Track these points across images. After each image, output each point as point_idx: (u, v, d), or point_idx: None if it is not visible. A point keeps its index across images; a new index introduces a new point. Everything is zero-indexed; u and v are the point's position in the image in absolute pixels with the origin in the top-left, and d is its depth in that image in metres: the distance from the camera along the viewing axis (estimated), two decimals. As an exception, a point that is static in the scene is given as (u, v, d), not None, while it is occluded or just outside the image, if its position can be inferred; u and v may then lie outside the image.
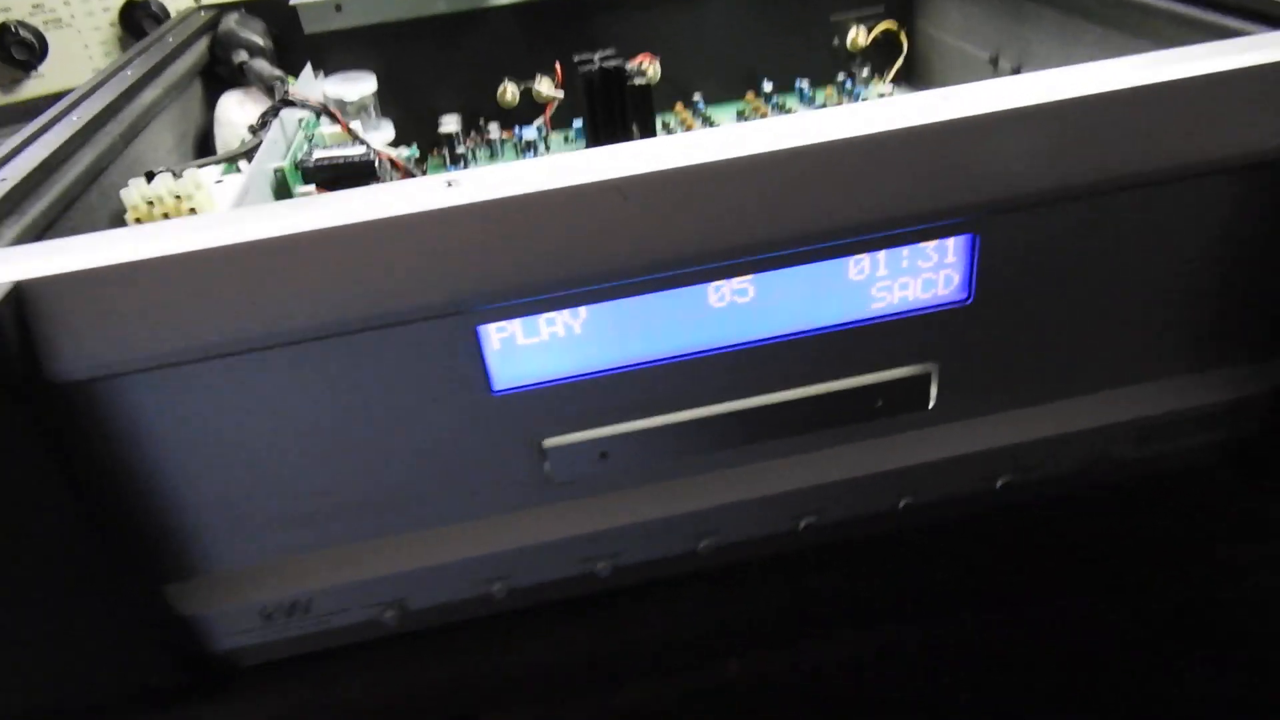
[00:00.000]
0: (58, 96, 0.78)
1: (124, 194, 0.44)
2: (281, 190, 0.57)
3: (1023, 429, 0.41)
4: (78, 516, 0.33)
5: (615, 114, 0.67)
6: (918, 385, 0.39)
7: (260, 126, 0.61)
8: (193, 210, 0.45)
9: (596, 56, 0.67)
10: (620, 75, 0.66)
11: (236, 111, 0.67)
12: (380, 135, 0.78)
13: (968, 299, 0.37)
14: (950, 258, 0.36)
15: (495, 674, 0.43)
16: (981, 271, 0.36)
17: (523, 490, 0.38)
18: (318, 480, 0.36)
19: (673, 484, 0.39)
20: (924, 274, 0.37)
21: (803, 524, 0.41)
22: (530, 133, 0.80)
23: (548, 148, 0.79)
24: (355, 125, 0.67)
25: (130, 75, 0.57)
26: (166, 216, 0.44)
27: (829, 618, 0.45)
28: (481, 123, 0.82)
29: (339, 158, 0.60)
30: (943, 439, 0.40)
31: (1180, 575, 0.44)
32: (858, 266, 0.36)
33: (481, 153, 0.79)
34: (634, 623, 0.43)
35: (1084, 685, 0.43)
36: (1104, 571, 0.44)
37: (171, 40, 0.66)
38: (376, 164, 0.60)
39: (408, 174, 0.64)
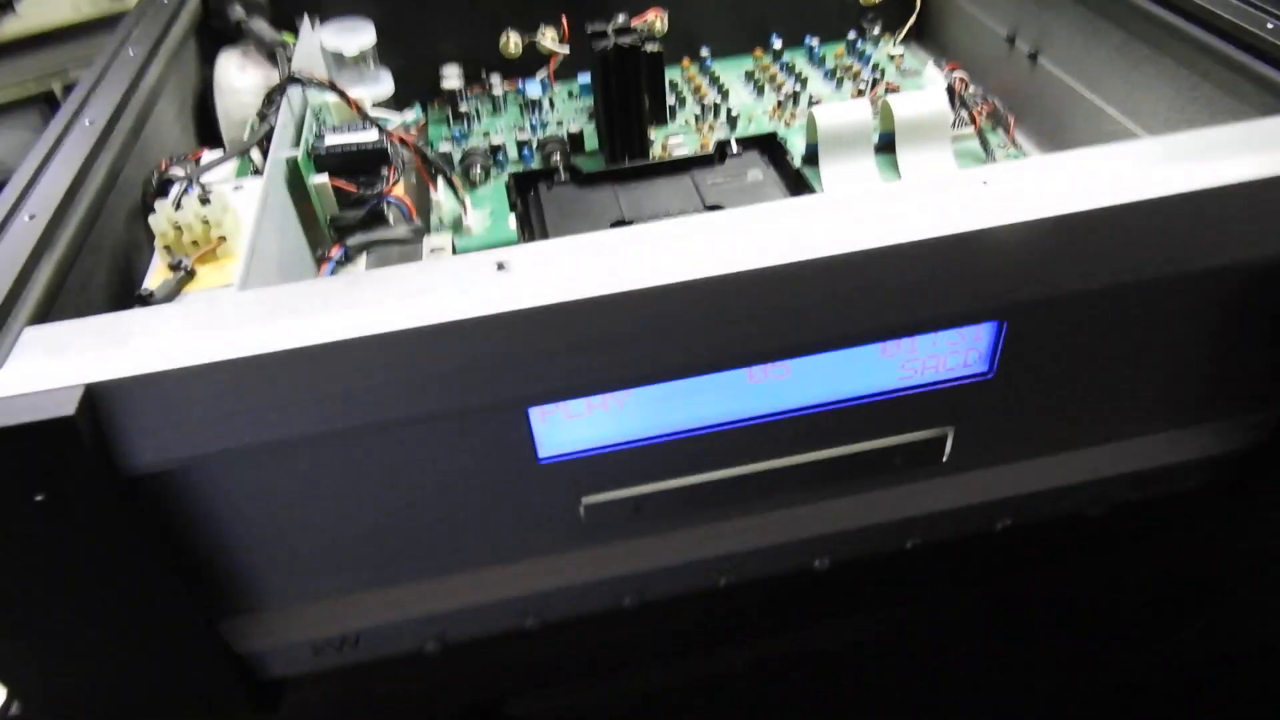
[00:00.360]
0: (37, 37, 0.75)
1: (153, 222, 0.44)
2: (296, 182, 0.56)
3: (1028, 480, 0.43)
4: (156, 575, 0.35)
5: (630, 88, 0.66)
6: (934, 445, 0.41)
7: (267, 106, 0.59)
8: (222, 239, 0.44)
9: (610, 29, 0.65)
10: (635, 53, 0.64)
11: (237, 76, 0.65)
12: (380, 89, 0.76)
13: (989, 373, 0.39)
14: (977, 338, 0.38)
15: (517, 662, 0.47)
16: (1005, 350, 0.38)
17: (559, 538, 0.41)
18: (371, 537, 0.38)
19: (697, 530, 0.42)
20: (950, 353, 0.38)
21: (817, 563, 0.44)
22: (534, 89, 0.78)
23: (553, 106, 0.77)
24: (358, 93, 0.65)
25: (133, 56, 0.55)
26: (196, 244, 0.44)
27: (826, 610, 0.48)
28: (483, 74, 0.79)
29: (351, 145, 0.59)
30: (951, 490, 0.43)
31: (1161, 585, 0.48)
32: (889, 347, 0.37)
33: (485, 108, 0.78)
34: (644, 614, 0.46)
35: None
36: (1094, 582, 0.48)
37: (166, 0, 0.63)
38: (389, 149, 0.59)
39: (420, 155, 0.63)
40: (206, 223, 0.44)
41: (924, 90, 0.67)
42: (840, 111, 0.65)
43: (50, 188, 0.43)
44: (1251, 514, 0.49)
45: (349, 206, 0.59)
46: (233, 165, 0.56)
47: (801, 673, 0.52)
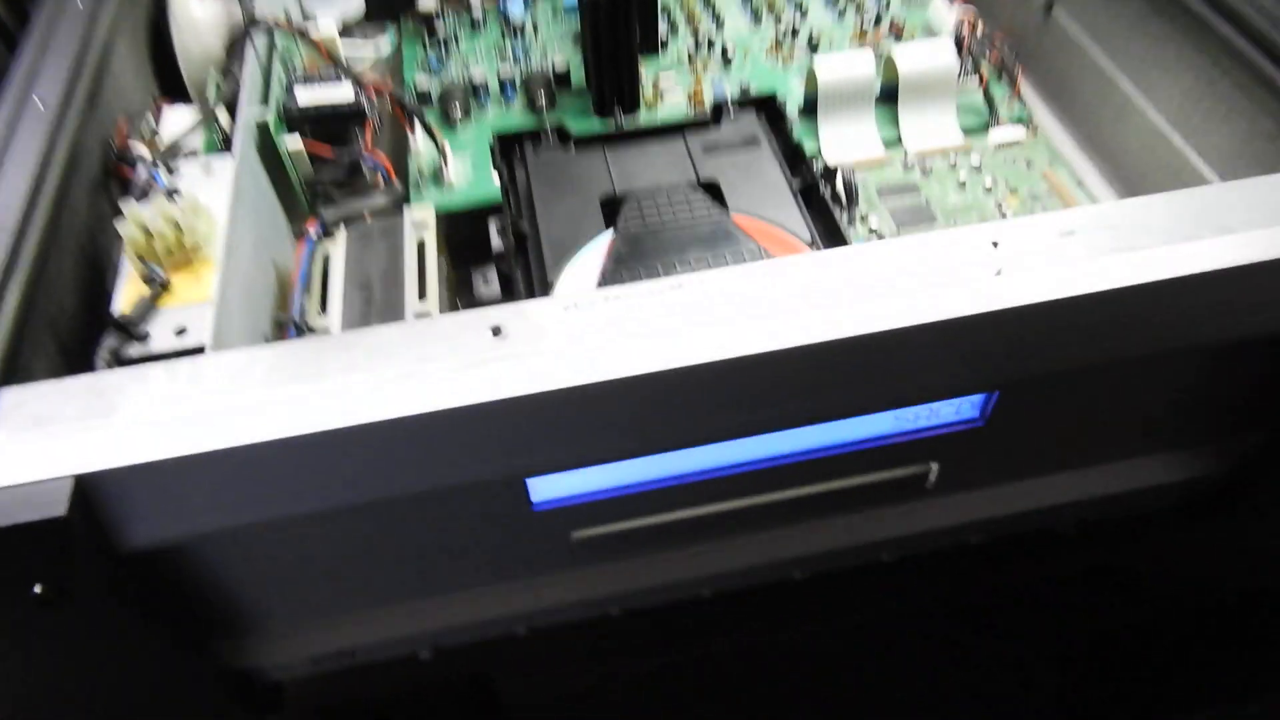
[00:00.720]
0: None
1: (121, 228, 0.41)
2: (267, 145, 0.53)
3: (1005, 502, 0.45)
4: (157, 623, 0.35)
5: (619, 23, 0.62)
6: (918, 478, 0.42)
7: (230, 59, 0.55)
8: (195, 247, 0.42)
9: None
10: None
11: (196, 6, 0.60)
12: (349, 5, 0.70)
13: (980, 422, 0.39)
14: (972, 398, 0.38)
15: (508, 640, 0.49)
16: (998, 405, 0.38)
17: (548, 563, 0.42)
18: (367, 572, 0.39)
19: (684, 552, 0.43)
20: (945, 407, 0.38)
21: (796, 575, 0.45)
22: (516, 7, 0.73)
23: (536, 31, 0.72)
24: (327, 12, 0.60)
25: (81, 7, 0.50)
26: (171, 253, 0.42)
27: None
28: (461, -11, 0.74)
29: (325, 105, 0.55)
30: (929, 513, 0.44)
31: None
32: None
33: (464, 31, 0.73)
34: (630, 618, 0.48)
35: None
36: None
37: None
38: (365, 105, 0.56)
39: (397, 104, 0.59)
40: (178, 227, 0.42)
41: (930, 42, 0.63)
42: (842, 64, 0.62)
43: (9, 196, 0.40)
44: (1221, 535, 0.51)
45: (325, 168, 0.56)
46: (199, 130, 0.52)
47: (782, 658, 0.55)
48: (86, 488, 0.30)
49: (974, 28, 0.67)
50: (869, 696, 0.52)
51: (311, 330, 0.47)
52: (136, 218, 0.42)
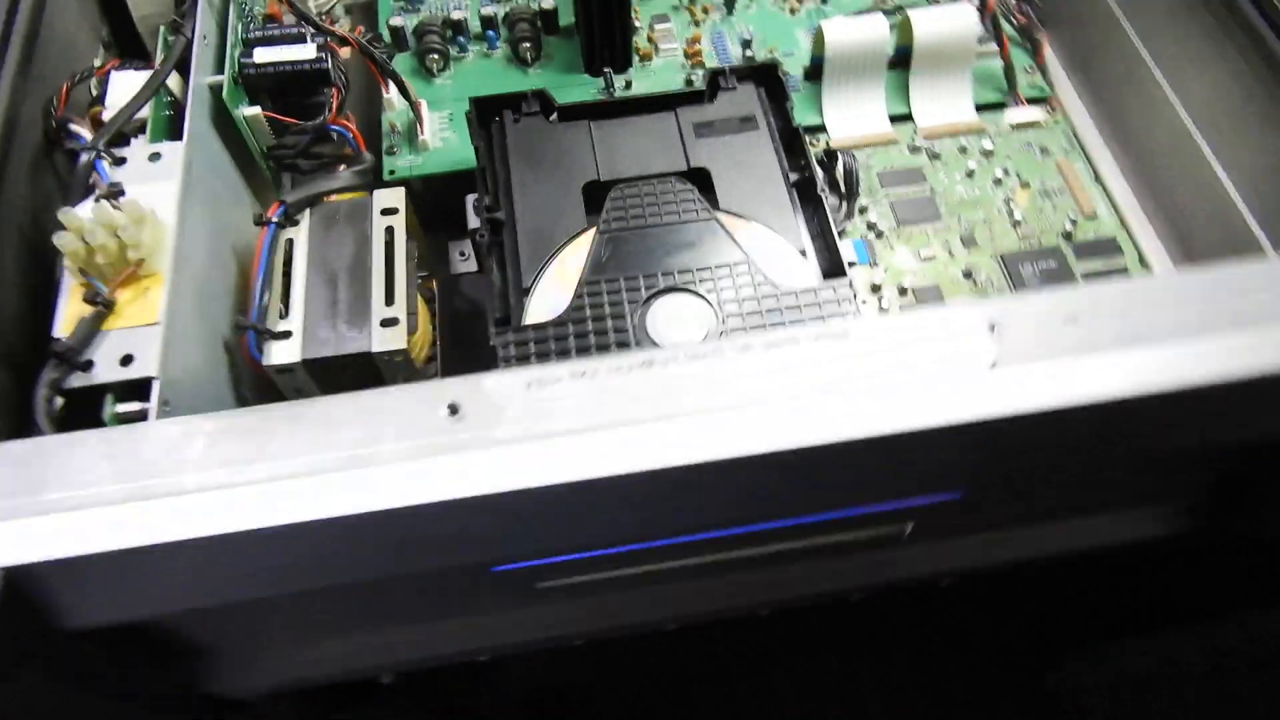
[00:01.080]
0: None
1: (57, 240, 0.38)
2: (221, 116, 0.49)
3: (976, 552, 0.44)
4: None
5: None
6: (893, 536, 0.41)
7: (179, 11, 0.50)
8: (140, 261, 0.39)
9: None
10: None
11: (142, -65, 0.54)
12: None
13: (958, 497, 0.38)
14: (951, 473, 0.37)
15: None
16: (975, 484, 0.37)
17: (513, 604, 0.41)
18: (327, 622, 0.38)
19: (650, 593, 0.43)
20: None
21: (764, 612, 0.45)
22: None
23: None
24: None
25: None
26: (115, 267, 0.39)
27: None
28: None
29: (284, 64, 0.50)
30: (900, 561, 0.44)
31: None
32: (860, 482, 0.36)
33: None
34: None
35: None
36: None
37: None
38: (329, 66, 0.51)
39: (369, 58, 0.54)
40: (120, 239, 0.39)
41: (952, 7, 0.58)
42: (852, 28, 0.57)
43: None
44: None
45: (289, 134, 0.52)
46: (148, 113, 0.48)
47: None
48: (17, 578, 0.29)
49: (1001, -13, 0.61)
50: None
51: (272, 337, 0.44)
52: (76, 227, 0.39)
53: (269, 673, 0.41)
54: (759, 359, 0.33)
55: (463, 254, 0.58)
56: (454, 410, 0.32)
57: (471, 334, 0.46)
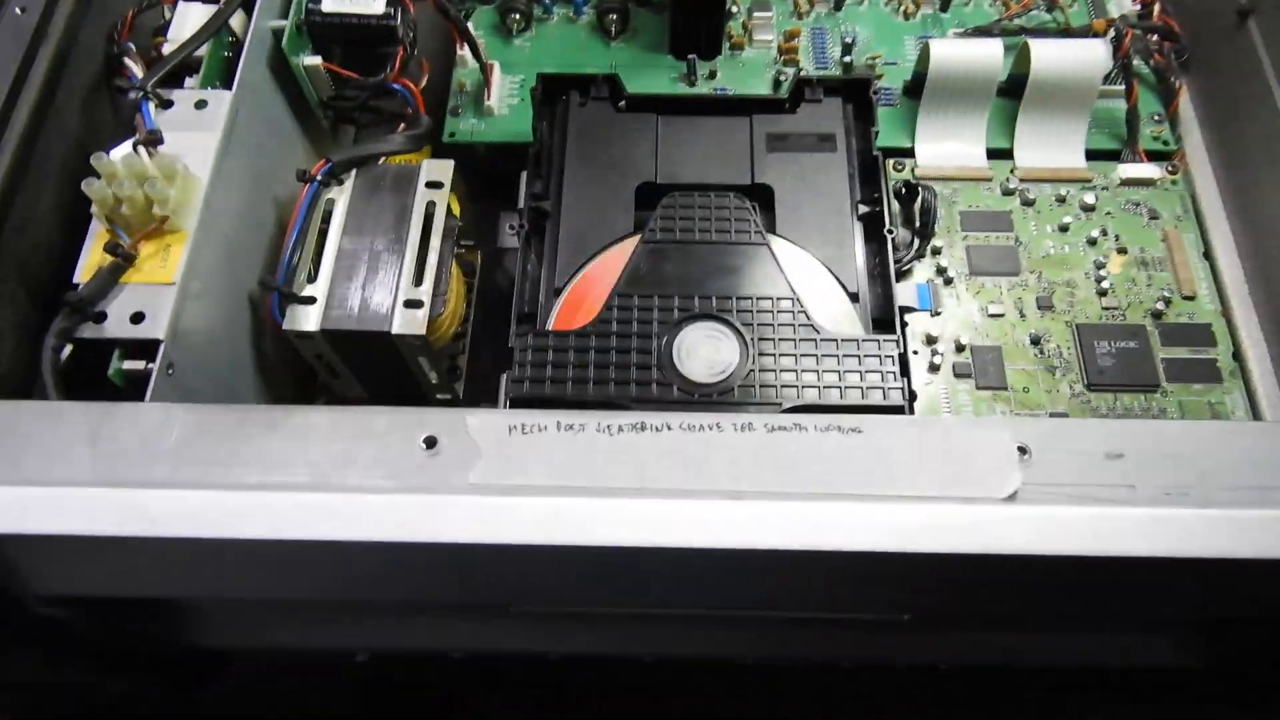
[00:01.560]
0: None
1: (86, 187, 0.38)
2: (280, 62, 0.48)
3: (980, 649, 0.41)
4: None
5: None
6: (886, 622, 0.39)
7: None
8: (165, 218, 0.39)
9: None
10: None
11: None
12: None
13: (906, 618, 0.35)
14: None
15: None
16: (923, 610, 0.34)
17: (483, 614, 0.40)
18: (305, 600, 0.38)
19: (626, 630, 0.41)
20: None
21: (749, 660, 0.44)
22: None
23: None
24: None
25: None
26: (140, 222, 0.39)
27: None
28: None
29: (351, 16, 0.49)
30: (897, 646, 0.41)
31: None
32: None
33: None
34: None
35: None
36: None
37: None
38: (398, 24, 0.49)
39: (442, 12, 0.52)
40: (146, 194, 0.38)
41: (1080, 43, 0.52)
42: (962, 51, 0.52)
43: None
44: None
45: (349, 87, 0.51)
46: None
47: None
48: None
49: (1132, 35, 0.55)
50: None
51: (296, 301, 0.44)
52: (109, 174, 0.38)
53: (244, 640, 0.42)
54: (758, 442, 0.31)
55: (512, 227, 0.56)
56: (431, 444, 0.31)
57: (507, 312, 0.45)
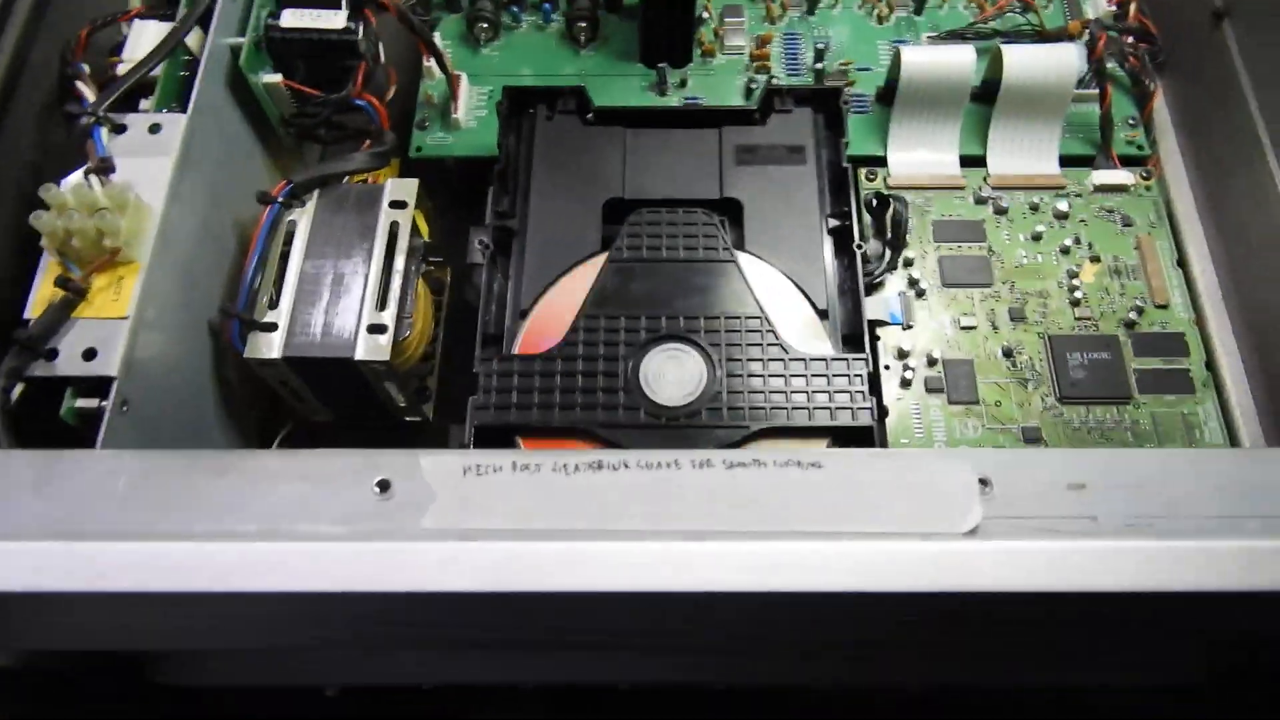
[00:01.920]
0: None
1: (34, 220, 0.37)
2: (239, 80, 0.47)
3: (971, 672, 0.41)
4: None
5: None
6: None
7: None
8: (116, 250, 0.38)
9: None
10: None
11: None
12: None
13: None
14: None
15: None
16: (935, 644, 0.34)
17: (458, 649, 0.40)
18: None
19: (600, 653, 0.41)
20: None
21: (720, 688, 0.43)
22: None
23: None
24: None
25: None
26: (90, 255, 0.38)
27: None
28: None
29: (311, 31, 0.48)
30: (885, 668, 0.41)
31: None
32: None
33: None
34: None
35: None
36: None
37: None
38: (360, 38, 0.48)
39: (407, 23, 0.51)
40: (100, 229, 0.37)
41: (1052, 46, 0.51)
42: (934, 58, 0.51)
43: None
44: None
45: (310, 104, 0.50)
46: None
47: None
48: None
49: (1106, 38, 0.54)
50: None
51: (258, 328, 0.43)
52: (58, 205, 0.38)
53: (210, 674, 0.42)
54: (716, 479, 0.30)
55: (481, 242, 0.55)
56: (384, 488, 0.30)
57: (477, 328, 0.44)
